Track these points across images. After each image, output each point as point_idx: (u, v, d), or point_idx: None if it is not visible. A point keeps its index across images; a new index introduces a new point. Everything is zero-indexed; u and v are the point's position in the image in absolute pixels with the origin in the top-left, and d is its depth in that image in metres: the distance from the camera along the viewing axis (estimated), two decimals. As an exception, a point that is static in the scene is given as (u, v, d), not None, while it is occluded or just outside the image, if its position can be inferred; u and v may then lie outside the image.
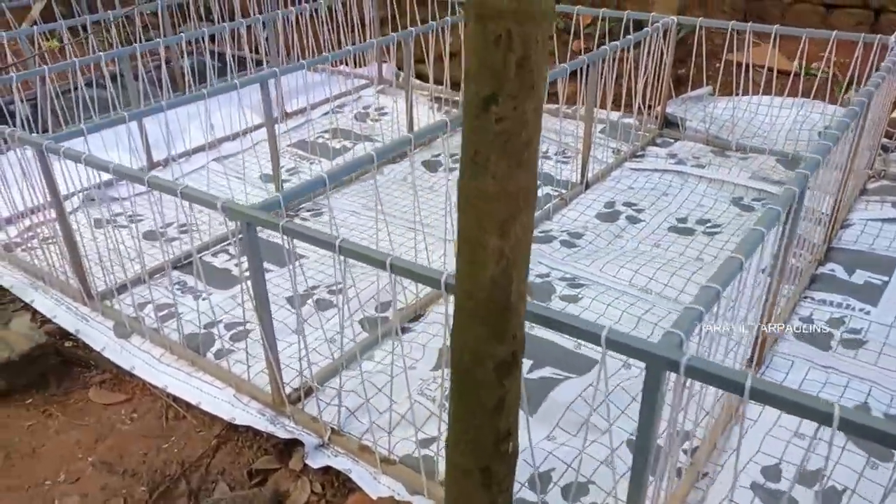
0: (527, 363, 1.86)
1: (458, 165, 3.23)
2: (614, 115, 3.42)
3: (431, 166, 3.16)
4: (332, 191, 3.00)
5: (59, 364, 2.02)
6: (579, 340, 1.93)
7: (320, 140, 3.54)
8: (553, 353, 1.89)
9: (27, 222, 2.59)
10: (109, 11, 3.79)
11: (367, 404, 1.73)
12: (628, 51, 2.98)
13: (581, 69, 2.61)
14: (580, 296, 2.12)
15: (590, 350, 1.92)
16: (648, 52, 3.02)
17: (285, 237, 1.46)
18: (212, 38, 3.43)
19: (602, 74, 2.71)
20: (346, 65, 4.40)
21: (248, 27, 3.73)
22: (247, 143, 3.56)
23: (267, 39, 3.85)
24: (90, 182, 2.17)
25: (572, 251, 2.40)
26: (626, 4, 4.53)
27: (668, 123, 3.42)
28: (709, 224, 2.55)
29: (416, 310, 2.13)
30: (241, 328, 2.10)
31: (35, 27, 3.50)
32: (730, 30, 3.02)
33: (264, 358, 1.90)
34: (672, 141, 3.33)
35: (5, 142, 2.19)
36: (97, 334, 2.13)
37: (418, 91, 4.07)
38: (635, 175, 2.95)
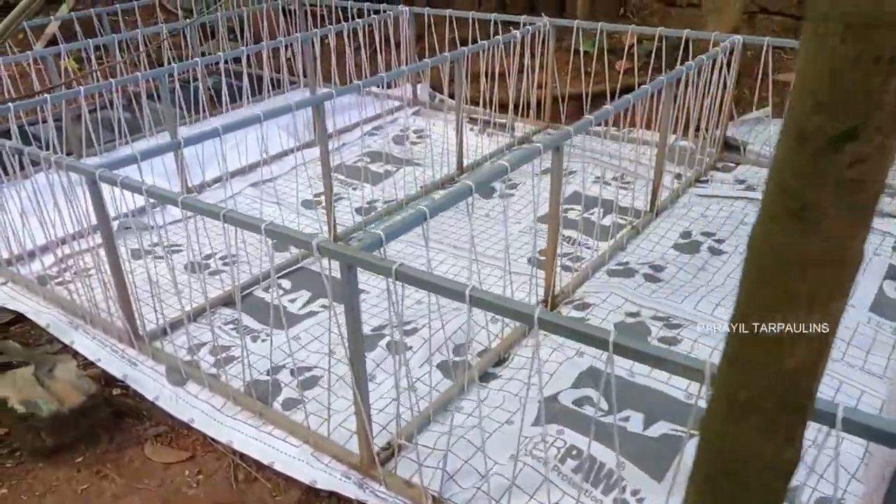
0: (636, 417, 1.68)
1: (512, 192, 3.07)
2: (670, 138, 3.26)
3: (485, 192, 2.99)
4: (383, 220, 2.82)
5: (108, 415, 1.82)
6: (689, 388, 1.75)
7: (360, 164, 3.37)
8: (664, 405, 1.71)
9: (62, 251, 2.41)
10: (138, 30, 3.62)
11: (468, 465, 1.54)
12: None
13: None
14: (679, 337, 1.94)
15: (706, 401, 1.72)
16: (714, 71, 2.86)
17: (397, 282, 1.28)
18: (236, 59, 3.26)
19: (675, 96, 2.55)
20: (379, 86, 4.25)
21: (279, 47, 3.57)
22: (284, 166, 3.39)
23: (291, 58, 3.69)
24: (124, 209, 1.99)
25: (657, 286, 2.21)
26: (669, 22, 4.39)
27: (728, 146, 3.25)
28: (798, 256, 2.37)
29: (500, 353, 1.95)
30: (308, 374, 1.91)
31: (61, 46, 3.32)
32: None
33: (345, 412, 1.72)
34: (733, 165, 3.17)
35: (30, 165, 2.01)
36: (148, 381, 1.93)
37: (455, 112, 3.91)
38: (706, 202, 2.78)
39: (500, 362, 1.93)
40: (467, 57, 3.02)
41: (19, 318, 2.27)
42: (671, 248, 2.46)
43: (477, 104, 3.68)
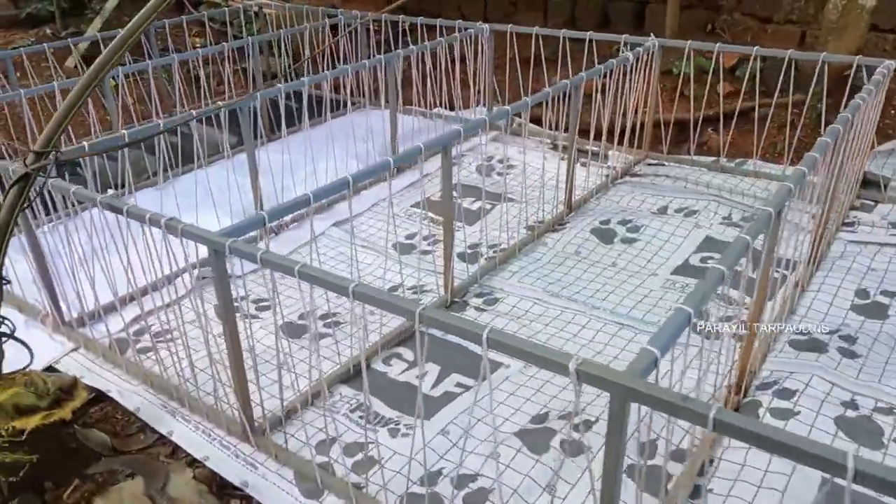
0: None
1: (633, 235, 2.72)
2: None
3: (605, 236, 2.64)
4: (496, 271, 2.48)
5: (235, 539, 1.48)
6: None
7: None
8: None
9: (153, 302, 2.05)
10: (198, 49, 3.29)
11: None
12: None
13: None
14: (922, 439, 1.60)
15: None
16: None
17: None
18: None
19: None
20: (450, 108, 3.90)
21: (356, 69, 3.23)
22: (364, 202, 3.05)
23: (352, 81, 3.36)
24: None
25: (858, 364, 1.87)
26: (765, 40, 4.07)
27: (865, 182, 2.91)
28: None
29: (706, 458, 1.60)
30: (474, 484, 1.56)
31: (119, 69, 2.99)
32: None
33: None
34: (871, 203, 2.82)
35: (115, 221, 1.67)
36: (274, 490, 1.59)
37: (535, 137, 3.58)
38: (866, 251, 2.44)
39: (704, 469, 1.59)
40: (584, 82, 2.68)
41: (99, 395, 1.93)
42: (850, 310, 2.11)
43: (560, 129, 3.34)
